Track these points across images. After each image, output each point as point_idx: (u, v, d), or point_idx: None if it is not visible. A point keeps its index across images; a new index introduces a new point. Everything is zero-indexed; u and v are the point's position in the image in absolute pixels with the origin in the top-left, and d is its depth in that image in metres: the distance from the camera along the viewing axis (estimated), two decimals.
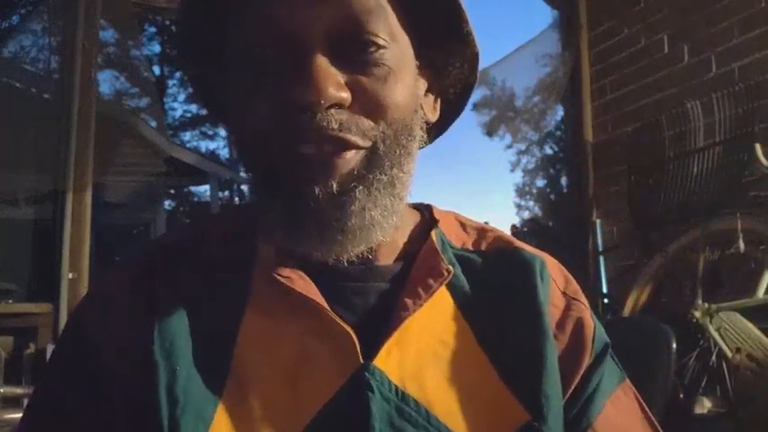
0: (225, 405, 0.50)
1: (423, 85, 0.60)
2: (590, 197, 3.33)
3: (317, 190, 0.50)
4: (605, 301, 3.04)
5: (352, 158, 0.51)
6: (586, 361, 0.60)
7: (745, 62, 2.65)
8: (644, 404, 0.64)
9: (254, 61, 0.53)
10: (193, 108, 15.23)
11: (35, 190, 2.74)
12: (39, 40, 2.98)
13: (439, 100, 0.64)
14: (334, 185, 0.51)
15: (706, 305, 2.25)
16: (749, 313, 2.17)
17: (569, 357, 0.60)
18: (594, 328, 0.62)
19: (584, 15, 3.43)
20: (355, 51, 0.52)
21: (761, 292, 2.16)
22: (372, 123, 0.52)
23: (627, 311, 2.59)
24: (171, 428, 0.48)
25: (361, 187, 0.52)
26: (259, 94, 0.52)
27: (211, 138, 15.88)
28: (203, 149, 14.78)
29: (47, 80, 2.93)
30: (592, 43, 3.40)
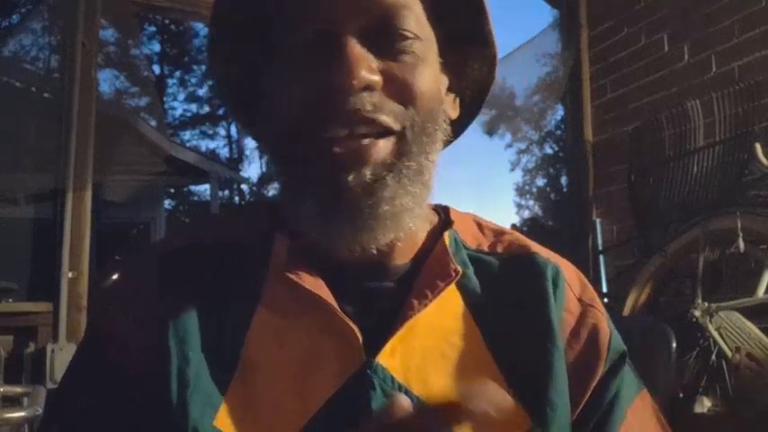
0: (233, 395, 0.52)
1: (445, 82, 0.62)
2: (590, 196, 3.32)
3: (350, 178, 0.51)
4: (605, 300, 3.04)
5: (383, 147, 0.53)
6: (601, 368, 0.60)
7: (745, 61, 2.65)
8: (659, 413, 0.63)
9: (295, 52, 0.55)
10: (193, 107, 15.25)
11: (35, 189, 2.74)
12: (39, 40, 2.98)
13: (458, 100, 0.65)
14: (368, 173, 0.52)
15: (706, 305, 2.25)
16: (749, 313, 2.17)
17: (583, 364, 0.59)
18: (611, 335, 0.61)
19: (584, 15, 3.42)
20: (387, 40, 0.54)
21: (761, 292, 2.15)
22: (402, 108, 0.54)
23: (627, 311, 2.59)
24: (179, 409, 0.50)
25: (392, 174, 0.53)
26: (298, 82, 0.54)
27: (211, 137, 15.92)
28: (203, 149, 14.79)
29: (47, 79, 2.93)
30: (592, 43, 3.40)
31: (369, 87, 0.52)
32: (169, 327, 0.53)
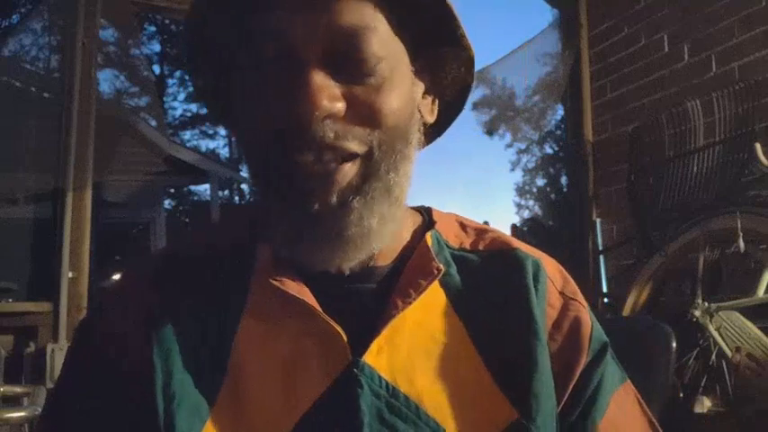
0: (221, 403, 0.53)
1: (420, 87, 0.61)
2: (590, 196, 3.32)
3: (316, 204, 0.52)
4: (605, 300, 3.04)
5: (349, 170, 0.53)
6: (584, 359, 0.61)
7: (745, 61, 2.65)
8: (644, 405, 0.65)
9: (258, 73, 0.55)
10: (193, 107, 15.21)
11: (35, 189, 2.74)
12: (39, 39, 2.98)
13: (437, 101, 0.65)
14: (334, 199, 0.53)
15: (706, 304, 2.25)
16: (749, 312, 2.17)
17: (566, 356, 0.60)
18: (592, 327, 0.63)
19: (584, 15, 3.42)
20: (350, 65, 0.53)
21: (761, 292, 2.15)
22: (368, 130, 0.54)
23: (627, 311, 2.59)
24: (166, 422, 0.51)
25: (358, 197, 0.53)
26: (262, 107, 0.54)
27: (211, 137, 15.87)
28: (203, 148, 14.75)
29: (47, 79, 2.93)
30: (592, 42, 3.40)
31: (331, 116, 0.52)
32: (155, 337, 0.54)
